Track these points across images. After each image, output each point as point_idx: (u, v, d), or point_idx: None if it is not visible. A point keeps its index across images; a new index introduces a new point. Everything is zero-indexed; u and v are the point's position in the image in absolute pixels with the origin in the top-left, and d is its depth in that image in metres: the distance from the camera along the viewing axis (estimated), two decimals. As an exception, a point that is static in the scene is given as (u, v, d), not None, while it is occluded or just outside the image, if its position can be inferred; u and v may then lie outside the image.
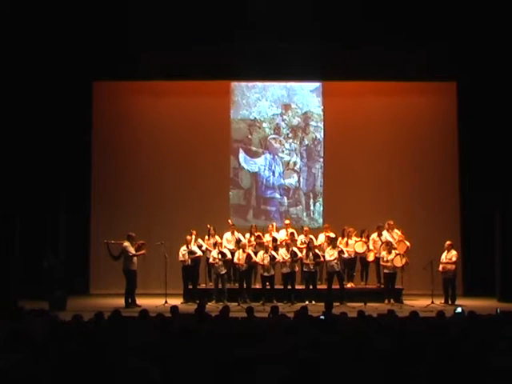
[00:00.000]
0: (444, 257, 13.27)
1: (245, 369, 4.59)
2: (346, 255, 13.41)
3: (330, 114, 15.49)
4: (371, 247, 13.69)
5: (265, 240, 13.68)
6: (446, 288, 13.24)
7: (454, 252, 13.34)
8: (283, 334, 6.32)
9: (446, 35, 13.64)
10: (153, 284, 13.83)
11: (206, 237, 13.72)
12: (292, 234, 13.78)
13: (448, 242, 13.40)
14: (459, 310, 8.51)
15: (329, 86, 15.49)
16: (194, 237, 13.55)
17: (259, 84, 15.63)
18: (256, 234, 13.88)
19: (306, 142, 15.61)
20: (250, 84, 15.68)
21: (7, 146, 13.35)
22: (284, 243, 13.57)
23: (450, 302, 13.03)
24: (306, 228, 14.18)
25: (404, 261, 13.12)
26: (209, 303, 12.12)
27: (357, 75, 14.52)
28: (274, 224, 14.36)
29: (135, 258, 13.03)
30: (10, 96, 13.27)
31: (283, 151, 15.58)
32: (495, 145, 14.08)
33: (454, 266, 13.25)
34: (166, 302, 12.56)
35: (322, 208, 15.43)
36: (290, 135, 15.59)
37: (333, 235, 13.55)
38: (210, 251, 13.48)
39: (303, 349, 5.38)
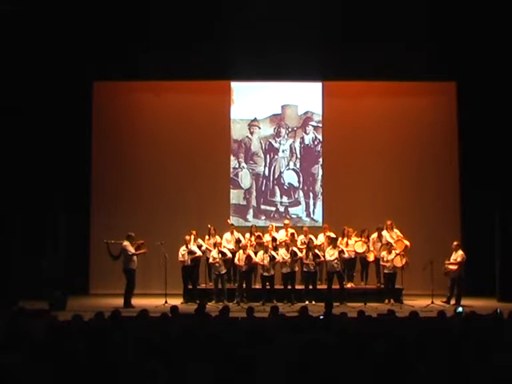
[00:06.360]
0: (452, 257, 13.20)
1: (245, 369, 4.58)
2: (346, 255, 13.42)
3: (330, 114, 15.48)
4: (371, 247, 13.68)
5: (265, 240, 13.67)
6: (452, 288, 13.19)
7: (460, 252, 13.23)
8: (283, 334, 6.31)
9: (446, 35, 13.64)
10: (153, 284, 13.84)
11: (207, 237, 13.70)
12: (292, 234, 13.77)
13: (455, 243, 13.32)
14: (460, 309, 8.50)
15: (329, 86, 15.48)
16: (193, 237, 13.54)
17: (259, 84, 15.62)
18: (256, 234, 13.87)
19: (306, 142, 15.60)
20: (250, 84, 15.67)
21: (8, 146, 13.35)
22: (284, 243, 13.57)
23: (451, 303, 13.00)
24: (305, 228, 14.18)
25: (404, 261, 13.10)
26: (209, 303, 12.13)
27: (357, 75, 14.52)
28: (274, 225, 14.36)
29: (135, 258, 13.04)
30: (11, 96, 13.26)
31: (283, 151, 15.58)
32: (495, 144, 14.07)
33: (455, 267, 13.15)
34: (166, 301, 12.56)
35: (322, 208, 15.43)
36: (290, 135, 15.59)
37: (333, 235, 13.55)
38: (210, 251, 13.47)
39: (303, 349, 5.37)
